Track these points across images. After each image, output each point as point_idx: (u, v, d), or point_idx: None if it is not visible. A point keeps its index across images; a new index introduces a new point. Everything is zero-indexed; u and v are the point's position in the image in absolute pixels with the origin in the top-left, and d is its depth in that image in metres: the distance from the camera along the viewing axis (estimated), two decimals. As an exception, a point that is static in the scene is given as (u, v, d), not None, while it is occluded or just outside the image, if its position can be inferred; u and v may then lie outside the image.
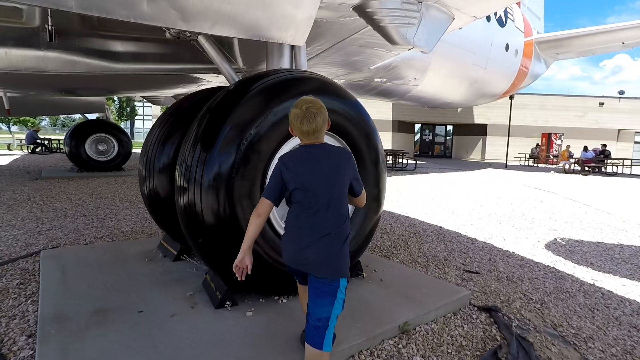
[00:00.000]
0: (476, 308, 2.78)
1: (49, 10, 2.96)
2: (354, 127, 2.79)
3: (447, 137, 25.91)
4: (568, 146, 19.47)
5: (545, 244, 4.74)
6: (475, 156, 24.61)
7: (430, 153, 26.13)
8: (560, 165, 18.70)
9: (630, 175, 16.23)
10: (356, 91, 11.08)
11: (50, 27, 2.97)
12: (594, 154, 17.23)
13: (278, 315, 2.35)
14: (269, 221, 2.45)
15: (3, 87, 7.71)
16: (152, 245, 3.72)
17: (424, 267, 3.67)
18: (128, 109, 41.31)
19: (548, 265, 3.89)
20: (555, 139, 22.81)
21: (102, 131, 10.57)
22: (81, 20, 3.21)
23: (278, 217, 2.60)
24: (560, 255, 4.27)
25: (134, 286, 2.70)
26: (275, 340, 2.05)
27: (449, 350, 2.19)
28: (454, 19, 3.79)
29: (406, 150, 22.44)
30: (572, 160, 17.42)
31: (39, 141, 20.40)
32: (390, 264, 3.46)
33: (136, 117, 49.01)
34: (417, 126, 25.82)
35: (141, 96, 12.52)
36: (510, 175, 14.29)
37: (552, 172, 16.75)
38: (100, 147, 10.57)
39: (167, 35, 2.85)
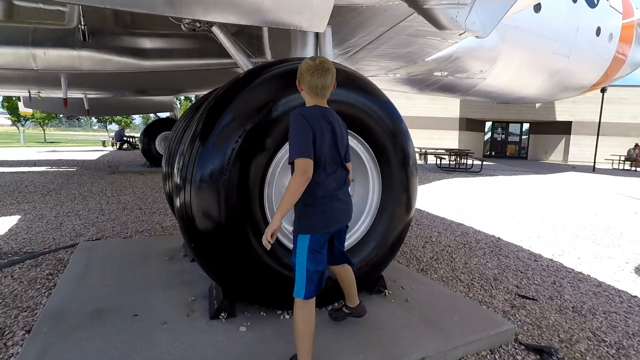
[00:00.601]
0: (523, 347, 2.24)
1: (82, 10, 3.04)
2: (377, 124, 2.42)
3: (523, 136, 23.44)
4: (679, 147, 16.33)
5: (635, 268, 3.84)
6: (555, 157, 21.92)
7: (503, 153, 23.88)
8: (667, 169, 15.76)
9: None
10: (415, 87, 10.38)
11: (83, 27, 3.05)
12: None
13: (273, 333, 2.09)
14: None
15: (83, 89, 8.57)
16: (179, 243, 3.71)
17: (466, 286, 3.13)
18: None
19: (635, 296, 3.10)
20: (662, 139, 19.33)
21: (171, 129, 11.32)
22: (111, 18, 3.27)
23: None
24: (653, 284, 3.40)
25: (142, 286, 2.64)
26: (260, 365, 1.80)
27: (474, 403, 1.74)
28: (517, -3, 3.19)
29: (475, 150, 20.81)
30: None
31: (125, 138, 22.73)
32: (424, 280, 3.00)
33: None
34: (488, 124, 23.78)
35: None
36: (599, 180, 12.35)
37: (656, 177, 14.17)
38: (168, 144, 11.31)
39: (183, 28, 2.77)
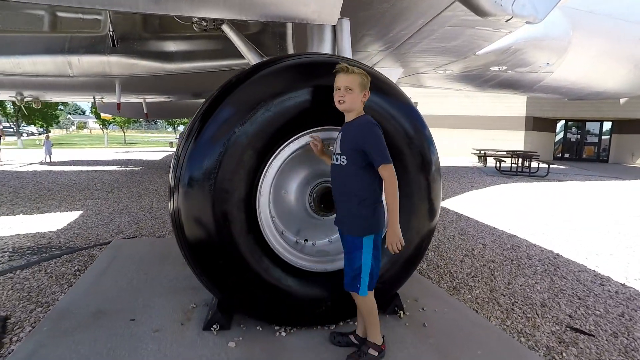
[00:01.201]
0: (564, 397, 1.82)
1: (110, 17, 3.15)
2: (389, 124, 2.14)
3: (603, 137, 20.72)
4: None
5: None
6: (646, 161, 19.06)
7: (578, 156, 21.34)
8: None
9: None
10: (470, 83, 9.59)
11: (112, 33, 3.16)
12: None
13: (263, 352, 1.92)
14: (261, 235, 2.04)
15: (143, 93, 9.19)
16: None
17: (503, 312, 2.70)
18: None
19: None
20: None
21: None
22: (138, 24, 3.36)
23: (280, 228, 2.16)
24: None
25: (150, 288, 2.63)
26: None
27: None
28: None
29: (544, 152, 18.87)
30: None
31: (187, 140, 24.23)
32: (451, 302, 2.64)
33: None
34: (560, 123, 21.45)
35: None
36: (700, 188, 10.42)
37: None
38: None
39: (195, 29, 2.72)
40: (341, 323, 2.25)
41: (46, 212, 5.64)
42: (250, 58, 2.71)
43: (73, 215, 5.49)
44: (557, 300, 2.93)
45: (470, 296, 2.93)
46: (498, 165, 12.96)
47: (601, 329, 2.51)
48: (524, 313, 2.69)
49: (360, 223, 1.82)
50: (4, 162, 13.32)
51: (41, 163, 13.55)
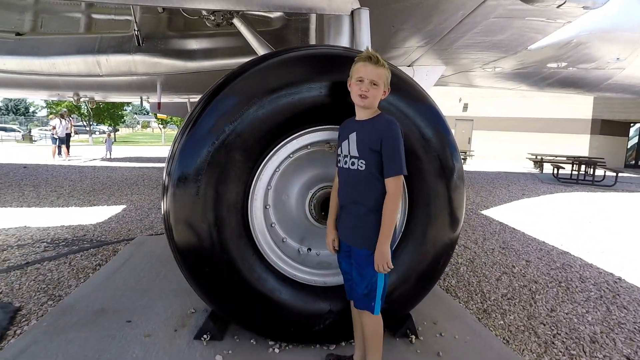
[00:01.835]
0: None
1: (136, 17, 3.20)
2: (404, 124, 1.88)
3: (689, 142, 18.15)
4: None
5: None
6: None
7: (657, 163, 18.93)
8: None
9: None
10: (523, 82, 8.77)
11: (137, 32, 3.20)
12: None
13: (250, 371, 1.77)
14: (254, 243, 1.88)
15: (187, 93, 9.54)
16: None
17: (540, 345, 2.31)
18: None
19: None
20: None
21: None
22: (164, 22, 3.38)
23: (281, 235, 2.00)
24: None
25: (157, 288, 2.60)
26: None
27: None
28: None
29: (614, 158, 16.96)
30: None
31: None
32: (477, 328, 2.30)
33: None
34: (636, 127, 19.16)
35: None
36: None
37: None
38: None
39: (208, 24, 2.65)
40: (343, 343, 2.03)
41: (94, 205, 6.00)
42: (263, 53, 2.58)
43: (116, 210, 5.77)
44: (613, 335, 2.46)
45: (502, 322, 2.56)
46: (556, 172, 11.80)
47: (667, 378, 2.05)
48: (567, 349, 2.28)
49: (376, 235, 1.59)
50: (72, 157, 14.57)
51: (102, 159, 14.66)
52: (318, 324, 1.94)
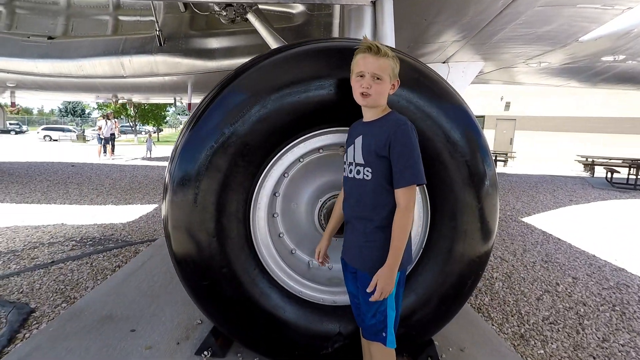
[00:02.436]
0: None
1: (157, 17, 3.17)
2: (422, 126, 1.66)
3: None
4: None
5: None
6: None
7: None
8: None
9: None
10: (573, 78, 8.05)
11: (158, 33, 3.18)
12: None
13: (248, 396, 1.61)
14: (256, 255, 1.73)
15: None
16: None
17: (589, 383, 1.98)
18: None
19: None
20: None
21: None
22: (186, 22, 3.33)
23: (289, 246, 1.83)
24: None
25: (167, 295, 2.53)
26: None
27: None
28: None
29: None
30: None
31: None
32: (512, 358, 2.01)
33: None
34: None
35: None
36: None
37: None
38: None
39: (222, 21, 2.54)
40: (354, 370, 1.83)
41: (129, 204, 6.17)
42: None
43: (147, 209, 5.90)
44: (680, 375, 2.07)
45: (542, 352, 2.24)
46: (610, 176, 10.78)
47: None
48: (621, 389, 1.94)
49: (384, 257, 1.35)
50: (116, 156, 15.33)
51: (142, 158, 15.30)
52: (326, 347, 1.76)
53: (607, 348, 2.31)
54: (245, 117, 1.58)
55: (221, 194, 1.61)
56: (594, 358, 2.20)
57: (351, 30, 2.39)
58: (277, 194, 1.88)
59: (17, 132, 33.04)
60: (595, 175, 12.59)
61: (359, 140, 1.43)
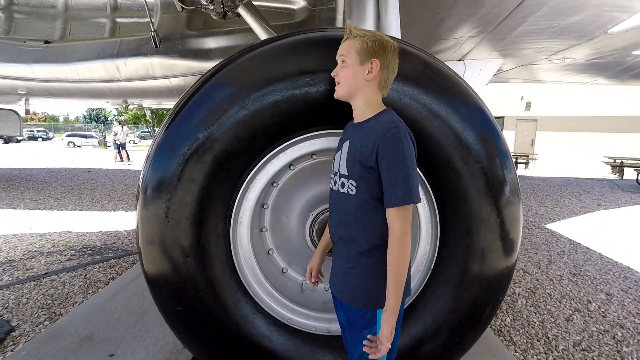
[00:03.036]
0: None
1: (152, 17, 3.02)
2: (430, 127, 1.42)
3: None
4: None
5: None
6: None
7: None
8: None
9: None
10: (601, 74, 7.56)
11: (153, 34, 3.03)
12: None
13: None
14: (237, 277, 1.51)
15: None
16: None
17: None
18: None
19: None
20: None
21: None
22: (183, 22, 3.18)
23: (280, 265, 1.61)
24: None
25: (154, 312, 2.28)
26: None
27: None
28: None
29: None
30: None
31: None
32: (539, 396, 1.72)
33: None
34: None
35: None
36: None
37: None
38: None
39: (213, 16, 2.36)
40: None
41: (135, 210, 6.08)
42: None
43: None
44: None
45: (575, 386, 1.94)
46: (641, 178, 10.14)
47: None
48: None
49: (371, 288, 1.13)
50: (131, 162, 15.51)
51: (157, 163, 15.38)
52: (319, 382, 1.52)
53: (652, 382, 1.99)
54: (222, 120, 1.37)
55: (196, 207, 1.41)
56: (638, 395, 1.88)
57: (352, 21, 2.17)
58: (265, 206, 1.67)
59: (43, 139, 34.45)
60: (624, 178, 11.89)
61: (346, 146, 1.20)
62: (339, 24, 3.01)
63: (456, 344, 1.56)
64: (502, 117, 17.56)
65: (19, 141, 30.48)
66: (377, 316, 1.15)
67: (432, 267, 1.53)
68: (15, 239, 4.30)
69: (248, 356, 1.50)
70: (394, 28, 2.05)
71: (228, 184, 1.43)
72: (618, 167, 11.98)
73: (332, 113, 1.44)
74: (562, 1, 3.58)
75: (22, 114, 7.93)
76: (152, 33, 3.03)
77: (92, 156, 17.79)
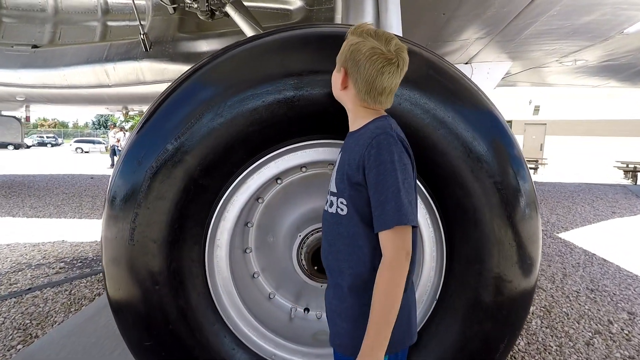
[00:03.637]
0: None
1: (141, 20, 2.89)
2: (434, 135, 1.23)
3: None
4: None
5: None
6: None
7: None
8: None
9: None
10: (614, 77, 7.31)
11: (143, 37, 2.89)
12: None
13: None
14: (214, 307, 1.33)
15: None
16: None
17: None
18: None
19: None
20: None
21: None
22: (174, 24, 3.04)
23: (266, 290, 1.42)
24: None
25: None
26: None
27: None
28: None
29: None
30: None
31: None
32: None
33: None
34: None
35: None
36: None
37: None
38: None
39: (200, 16, 2.21)
40: None
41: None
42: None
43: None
44: None
45: None
46: (656, 184, 9.80)
47: None
48: None
49: (359, 336, 0.92)
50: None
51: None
52: None
53: (690, 423, 1.75)
54: (195, 129, 1.20)
55: (166, 229, 1.23)
56: None
57: (350, 20, 2.00)
58: (249, 224, 1.49)
59: (53, 145, 34.92)
60: (638, 183, 11.53)
61: (338, 159, 1.02)
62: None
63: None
64: (510, 122, 17.28)
65: (28, 147, 30.86)
66: None
67: (437, 297, 1.33)
68: (8, 250, 4.17)
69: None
70: (394, 26, 1.88)
71: (203, 202, 1.26)
72: (631, 172, 11.63)
73: (322, 121, 1.26)
74: (572, 1, 3.39)
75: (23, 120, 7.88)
76: (142, 36, 2.89)
77: (98, 162, 17.80)
